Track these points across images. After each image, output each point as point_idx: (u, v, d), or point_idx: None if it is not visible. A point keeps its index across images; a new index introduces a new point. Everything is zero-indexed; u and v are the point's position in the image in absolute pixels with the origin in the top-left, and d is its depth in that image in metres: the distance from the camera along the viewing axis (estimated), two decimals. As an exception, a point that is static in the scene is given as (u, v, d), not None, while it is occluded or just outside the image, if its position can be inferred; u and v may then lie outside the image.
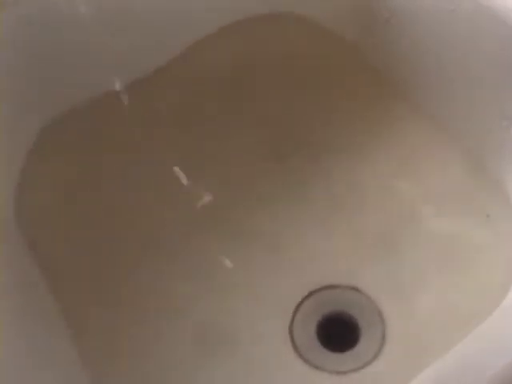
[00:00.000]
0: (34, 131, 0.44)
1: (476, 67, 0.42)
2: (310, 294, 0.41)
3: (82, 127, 0.46)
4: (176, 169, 0.46)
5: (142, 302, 0.41)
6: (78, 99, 0.45)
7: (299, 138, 0.47)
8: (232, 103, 0.48)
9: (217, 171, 0.46)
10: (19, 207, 0.41)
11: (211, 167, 0.46)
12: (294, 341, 0.39)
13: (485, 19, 0.39)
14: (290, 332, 0.40)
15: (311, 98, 0.49)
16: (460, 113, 0.45)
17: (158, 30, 0.47)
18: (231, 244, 0.43)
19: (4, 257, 0.38)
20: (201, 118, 0.47)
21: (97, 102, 0.46)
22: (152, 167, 0.46)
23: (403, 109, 0.47)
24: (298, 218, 0.44)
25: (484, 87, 0.42)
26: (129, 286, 0.42)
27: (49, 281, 0.39)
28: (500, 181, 0.43)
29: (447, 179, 0.45)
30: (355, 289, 0.41)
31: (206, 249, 0.43)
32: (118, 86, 0.47)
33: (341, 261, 0.42)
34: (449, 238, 0.43)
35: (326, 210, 0.45)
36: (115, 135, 0.46)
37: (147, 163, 0.46)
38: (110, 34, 0.45)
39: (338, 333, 0.41)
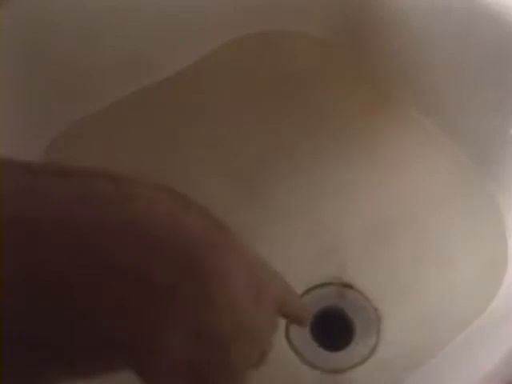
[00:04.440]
0: (39, 145, 0.46)
1: (471, 65, 0.42)
2: (306, 291, 0.41)
3: (91, 136, 0.47)
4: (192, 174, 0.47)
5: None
6: (86, 107, 0.47)
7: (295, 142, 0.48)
8: (235, 109, 0.49)
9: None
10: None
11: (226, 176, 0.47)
12: (290, 338, 0.40)
13: (479, 16, 0.39)
14: (286, 330, 0.40)
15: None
16: (456, 112, 0.45)
17: (169, 39, 0.48)
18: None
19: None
20: (206, 129, 0.48)
21: (104, 110, 0.48)
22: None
23: (400, 111, 0.48)
24: (290, 216, 0.44)
25: (479, 85, 0.42)
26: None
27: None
28: (491, 181, 0.43)
29: (439, 179, 0.45)
30: (350, 286, 0.41)
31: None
32: (124, 93, 0.48)
33: (336, 258, 0.42)
34: (443, 237, 0.43)
35: (318, 207, 0.45)
36: (127, 143, 0.48)
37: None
38: (118, 38, 0.46)
39: (333, 330, 0.41)
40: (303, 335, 0.40)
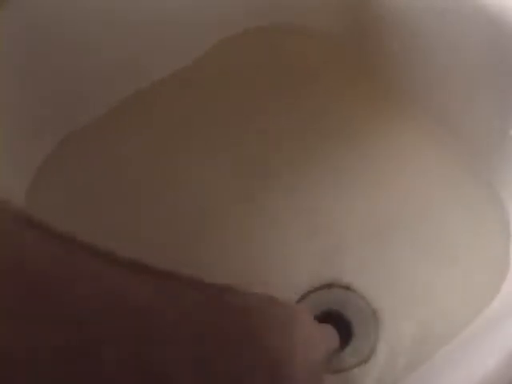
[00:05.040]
0: (40, 147, 0.46)
1: (470, 65, 0.42)
2: (305, 293, 0.41)
3: (92, 139, 0.48)
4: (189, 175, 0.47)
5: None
6: (86, 108, 0.47)
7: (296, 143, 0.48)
8: (233, 107, 0.49)
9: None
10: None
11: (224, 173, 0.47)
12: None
13: (477, 17, 0.39)
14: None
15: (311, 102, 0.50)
16: (455, 112, 0.45)
17: (165, 39, 0.48)
18: (227, 245, 0.44)
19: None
20: (205, 129, 0.49)
21: (105, 112, 0.48)
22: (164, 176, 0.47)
23: (403, 113, 0.48)
24: (289, 217, 0.44)
25: (479, 85, 0.42)
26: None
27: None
28: (492, 180, 0.43)
29: (439, 178, 0.45)
30: (349, 288, 0.41)
31: (206, 252, 0.44)
32: (124, 94, 0.48)
33: (335, 259, 0.42)
34: (443, 236, 0.43)
35: (317, 207, 0.45)
36: (129, 145, 0.48)
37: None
38: (118, 37, 0.46)
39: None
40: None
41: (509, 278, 0.39)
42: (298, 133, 0.48)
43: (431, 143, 0.46)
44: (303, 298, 0.41)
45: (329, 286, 0.42)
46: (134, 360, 0.18)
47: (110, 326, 0.18)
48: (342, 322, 0.41)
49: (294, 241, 0.43)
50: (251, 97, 0.49)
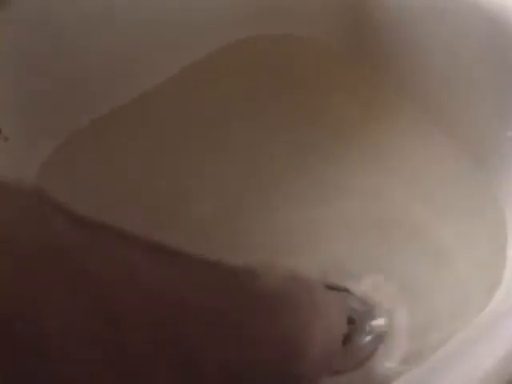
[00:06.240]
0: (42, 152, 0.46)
1: (468, 66, 0.42)
2: None
3: (95, 140, 0.48)
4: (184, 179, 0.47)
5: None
6: (88, 110, 0.47)
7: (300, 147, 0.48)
8: (234, 109, 0.50)
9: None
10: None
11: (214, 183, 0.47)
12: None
13: (474, 17, 0.40)
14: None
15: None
16: (454, 112, 0.45)
17: (166, 41, 0.49)
18: (228, 249, 0.43)
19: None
20: (203, 131, 0.49)
21: (105, 113, 0.48)
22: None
23: (402, 113, 0.48)
24: (289, 218, 0.45)
25: (477, 85, 0.42)
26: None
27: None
28: (490, 180, 0.43)
29: (439, 179, 0.45)
30: (347, 289, 0.41)
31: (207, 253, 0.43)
32: (123, 94, 0.48)
33: (336, 260, 0.42)
34: (443, 237, 0.43)
35: (318, 209, 0.45)
36: (124, 149, 0.48)
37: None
38: (116, 40, 0.46)
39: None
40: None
41: (506, 277, 0.40)
42: (297, 133, 0.48)
43: (429, 143, 0.46)
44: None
45: (331, 288, 0.41)
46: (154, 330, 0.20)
47: (131, 301, 0.19)
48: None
49: (292, 240, 0.43)
50: (251, 98, 0.50)
